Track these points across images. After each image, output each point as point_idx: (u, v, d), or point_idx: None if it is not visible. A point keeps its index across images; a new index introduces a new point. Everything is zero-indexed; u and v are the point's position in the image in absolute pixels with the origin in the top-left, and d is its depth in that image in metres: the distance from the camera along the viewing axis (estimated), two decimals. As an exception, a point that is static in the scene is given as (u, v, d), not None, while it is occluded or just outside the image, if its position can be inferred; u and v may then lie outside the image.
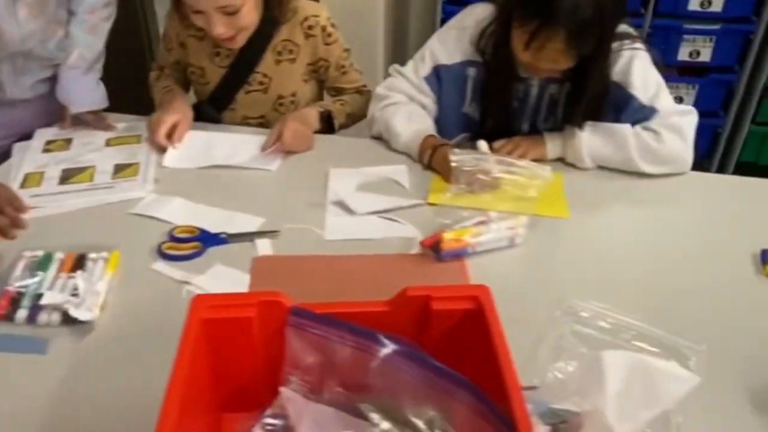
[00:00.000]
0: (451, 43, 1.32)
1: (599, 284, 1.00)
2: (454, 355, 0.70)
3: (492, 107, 1.34)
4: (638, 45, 1.28)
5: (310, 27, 1.38)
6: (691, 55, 2.28)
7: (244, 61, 1.39)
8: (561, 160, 1.30)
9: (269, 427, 0.66)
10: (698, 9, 2.20)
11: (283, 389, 0.69)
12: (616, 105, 1.28)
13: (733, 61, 2.28)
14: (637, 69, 1.26)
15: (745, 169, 2.44)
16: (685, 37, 2.24)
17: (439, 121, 1.39)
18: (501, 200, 1.12)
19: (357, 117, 1.47)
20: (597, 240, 1.11)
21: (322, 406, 0.67)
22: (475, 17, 1.30)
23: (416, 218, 1.13)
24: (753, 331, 0.92)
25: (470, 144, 1.35)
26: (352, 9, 2.18)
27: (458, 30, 1.32)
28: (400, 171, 1.26)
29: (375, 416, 0.66)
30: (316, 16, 1.39)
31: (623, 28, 1.29)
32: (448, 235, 1.03)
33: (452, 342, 0.74)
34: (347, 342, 0.69)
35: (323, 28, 1.39)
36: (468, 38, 1.30)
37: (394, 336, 0.69)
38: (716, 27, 2.21)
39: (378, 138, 1.37)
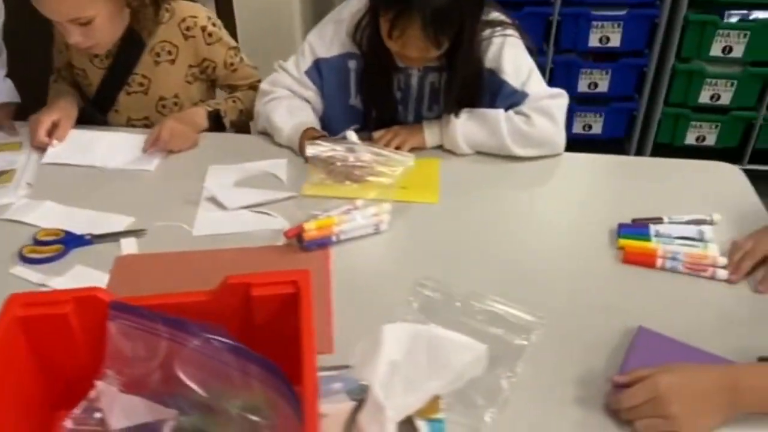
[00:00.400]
0: (328, 37, 1.33)
1: (459, 266, 1.02)
2: (276, 339, 0.72)
3: (374, 99, 1.36)
4: (509, 31, 1.31)
5: (188, 28, 1.38)
6: (601, 40, 2.32)
7: (122, 63, 1.38)
8: (441, 147, 1.32)
9: (80, 421, 0.67)
10: (604, -4, 2.25)
11: (98, 383, 0.69)
12: (491, 91, 1.31)
13: (642, 45, 2.33)
14: (508, 55, 1.28)
15: (662, 150, 2.50)
16: (594, 23, 2.29)
17: (327, 115, 1.40)
18: (368, 189, 1.14)
19: (252, 113, 1.48)
20: (464, 223, 1.13)
21: (133, 397, 0.68)
22: (350, 9, 1.32)
23: (289, 210, 1.14)
24: (596, 305, 0.95)
25: (363, 136, 1.37)
26: (268, 4, 2.19)
27: (335, 23, 1.33)
28: (279, 165, 1.26)
29: (186, 405, 0.67)
30: (194, 16, 1.39)
31: (494, 15, 1.32)
32: (309, 225, 1.04)
33: (275, 326, 0.75)
34: (162, 333, 0.70)
35: (203, 29, 1.39)
36: (345, 31, 1.32)
37: (206, 324, 0.70)
38: (623, 12, 2.26)
39: (265, 133, 1.37)
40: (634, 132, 2.50)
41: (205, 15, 1.40)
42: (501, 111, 1.27)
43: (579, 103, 2.48)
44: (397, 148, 1.28)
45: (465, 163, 1.29)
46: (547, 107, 1.26)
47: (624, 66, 2.36)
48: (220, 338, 0.66)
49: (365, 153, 1.16)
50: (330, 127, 1.37)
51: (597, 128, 2.52)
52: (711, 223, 1.09)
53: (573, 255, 1.05)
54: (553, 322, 0.90)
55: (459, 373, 0.64)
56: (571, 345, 0.88)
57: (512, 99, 1.28)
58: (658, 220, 1.09)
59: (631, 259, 1.02)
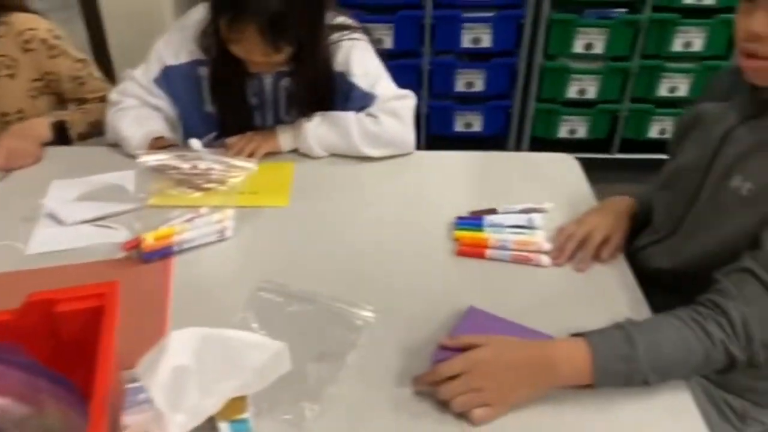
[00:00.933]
0: (176, 44, 1.32)
1: (303, 267, 1.04)
2: (85, 355, 0.71)
3: (228, 105, 1.36)
4: (357, 35, 1.34)
5: (27, 41, 1.33)
6: (473, 42, 2.41)
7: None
8: (297, 150, 1.34)
9: None
10: (472, -1, 2.34)
11: None
12: (344, 94, 1.34)
13: (512, 45, 2.44)
14: (356, 58, 1.32)
15: (538, 144, 2.63)
16: (465, 25, 2.37)
17: (183, 123, 1.39)
18: (213, 196, 1.14)
19: (102, 125, 1.44)
20: (312, 225, 1.15)
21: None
22: (195, 16, 1.31)
23: (133, 222, 1.12)
24: (429, 298, 0.99)
25: (218, 143, 1.37)
26: (137, 8, 2.14)
27: (181, 30, 1.32)
28: (127, 176, 1.24)
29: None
30: (33, 29, 1.34)
31: (341, 19, 1.35)
32: (148, 236, 1.03)
33: (83, 341, 0.74)
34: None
35: (44, 41, 1.35)
36: (191, 38, 1.31)
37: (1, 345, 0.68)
38: (491, 14, 2.36)
39: (116, 144, 1.34)
40: (511, 128, 2.61)
41: (46, 27, 1.36)
42: (352, 113, 1.30)
43: (458, 103, 2.57)
44: (252, 154, 1.29)
45: (320, 165, 1.31)
46: (394, 108, 1.30)
47: (496, 65, 2.46)
48: (9, 357, 0.64)
49: (206, 161, 1.16)
50: (188, 135, 1.36)
51: (477, 126, 2.61)
52: (542, 210, 1.15)
53: (412, 250, 1.08)
54: (387, 316, 0.93)
55: (258, 373, 0.65)
56: (402, 337, 0.90)
57: (363, 101, 1.31)
58: (493, 211, 1.15)
59: (463, 250, 1.06)
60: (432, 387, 0.81)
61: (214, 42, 1.27)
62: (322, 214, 1.17)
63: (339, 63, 1.31)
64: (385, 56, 2.42)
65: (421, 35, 2.40)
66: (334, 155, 1.32)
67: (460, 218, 1.13)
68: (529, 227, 1.11)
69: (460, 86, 2.51)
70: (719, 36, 2.36)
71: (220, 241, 1.08)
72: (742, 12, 0.89)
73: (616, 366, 0.80)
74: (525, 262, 1.05)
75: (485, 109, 2.56)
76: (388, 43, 2.41)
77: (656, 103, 2.52)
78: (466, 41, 2.41)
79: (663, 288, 1.04)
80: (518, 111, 2.56)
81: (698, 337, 0.83)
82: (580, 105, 2.53)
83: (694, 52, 2.40)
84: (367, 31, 1.37)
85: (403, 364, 0.86)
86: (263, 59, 1.20)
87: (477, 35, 2.39)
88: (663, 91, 2.48)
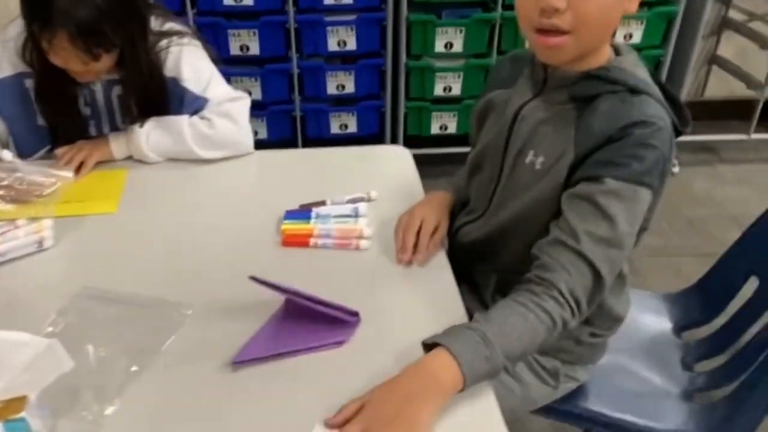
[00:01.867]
0: (-3, 57, 1.29)
1: (127, 271, 1.04)
2: None
3: (57, 117, 1.34)
4: (186, 40, 1.35)
5: None
6: (339, 44, 2.46)
7: None
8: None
9: None
10: (333, 3, 2.38)
11: None
12: (177, 99, 1.34)
13: (377, 46, 2.51)
14: (186, 63, 1.33)
15: (413, 141, 2.71)
16: (329, 28, 2.42)
17: (15, 138, 1.35)
18: (30, 207, 1.12)
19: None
20: (140, 230, 1.15)
21: None
22: (16, 28, 1.28)
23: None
24: (252, 291, 1.00)
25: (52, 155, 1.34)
26: None
27: (2, 43, 1.29)
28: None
29: None
30: None
31: (170, 25, 1.35)
32: (-44, 251, 1.00)
33: None
34: None
35: None
36: (13, 50, 1.28)
37: None
38: (353, 17, 2.42)
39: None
40: (386, 127, 2.68)
41: None
42: (185, 117, 1.31)
43: (332, 105, 2.62)
44: (83, 163, 1.28)
45: (155, 170, 1.31)
46: (228, 110, 1.32)
47: (364, 67, 2.52)
48: None
49: (21, 172, 1.14)
50: (22, 150, 1.33)
51: (353, 127, 2.66)
52: (368, 200, 1.21)
53: (239, 246, 1.11)
54: (206, 312, 0.95)
55: (27, 372, 0.65)
56: (218, 332, 0.92)
57: (196, 105, 1.33)
58: (322, 204, 1.19)
59: (288, 241, 1.10)
60: None
61: (36, 53, 1.25)
62: (151, 219, 1.18)
63: (169, 69, 1.32)
64: (254, 62, 2.47)
65: (287, 40, 2.43)
66: (171, 159, 1.33)
67: (289, 212, 1.17)
68: (354, 216, 1.16)
69: (331, 89, 2.56)
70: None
71: (39, 251, 1.07)
72: None
73: (481, 367, 0.83)
74: (346, 247, 1.09)
75: (358, 110, 2.61)
76: (255, 49, 2.43)
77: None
78: (332, 44, 2.46)
79: (480, 258, 1.13)
80: (390, 110, 2.64)
81: (541, 319, 0.88)
82: (448, 102, 2.63)
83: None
84: (199, 36, 1.38)
85: (212, 363, 0.87)
86: (83, 68, 1.19)
87: (342, 38, 2.45)
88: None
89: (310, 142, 2.67)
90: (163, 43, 1.32)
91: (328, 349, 0.90)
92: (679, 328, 1.40)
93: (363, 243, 1.09)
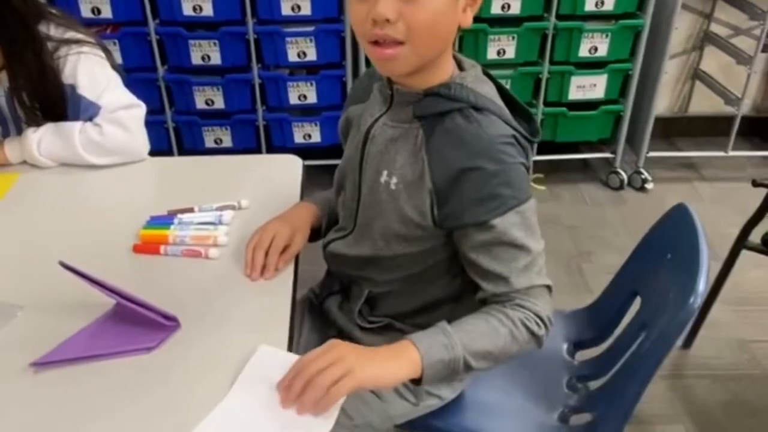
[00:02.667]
0: None
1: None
2: None
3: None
4: (86, 48, 1.38)
5: None
6: (299, 55, 2.49)
7: None
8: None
9: None
10: (291, 14, 2.41)
11: None
12: (74, 106, 1.38)
13: (338, 58, 2.52)
14: (82, 70, 1.36)
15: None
16: (288, 39, 2.45)
17: None
18: None
19: None
20: (10, 235, 1.18)
21: None
22: None
23: None
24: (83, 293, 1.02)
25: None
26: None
27: None
28: None
29: None
30: None
31: (71, 34, 1.39)
32: None
33: None
34: None
35: None
36: None
37: None
38: (312, 29, 2.44)
39: None
40: (348, 137, 2.68)
41: None
42: (77, 123, 1.34)
43: (295, 115, 2.64)
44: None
45: (47, 175, 1.35)
46: (119, 117, 1.35)
47: (326, 77, 2.54)
48: None
49: None
50: None
51: (316, 137, 2.68)
52: (238, 208, 1.21)
53: (96, 251, 1.11)
54: (36, 313, 0.97)
55: None
56: (46, 333, 0.94)
57: (90, 111, 1.36)
58: (190, 210, 1.20)
59: (139, 247, 1.11)
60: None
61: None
62: (21, 221, 1.21)
63: (67, 76, 1.35)
64: (216, 72, 2.51)
65: (248, 50, 2.47)
66: (64, 165, 1.36)
67: (154, 217, 1.18)
68: (217, 223, 1.17)
69: (293, 99, 2.58)
70: (525, 43, 2.51)
71: None
72: (358, 1, 0.88)
73: (439, 353, 0.88)
74: (196, 256, 1.10)
75: (321, 120, 2.63)
76: (216, 59, 2.47)
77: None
78: (291, 55, 2.48)
79: (351, 276, 1.13)
80: (353, 121, 2.64)
81: (501, 320, 0.93)
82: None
83: (508, 59, 2.53)
84: (99, 45, 1.42)
85: (18, 364, 0.89)
86: None
87: (301, 49, 2.47)
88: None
89: (274, 150, 2.70)
90: (63, 50, 1.36)
91: (138, 354, 0.91)
92: (573, 347, 1.36)
93: (212, 252, 1.10)
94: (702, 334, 1.98)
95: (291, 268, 1.09)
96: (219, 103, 2.57)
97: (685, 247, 1.11)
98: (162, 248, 1.10)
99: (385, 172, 0.99)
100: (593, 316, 1.38)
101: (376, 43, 0.90)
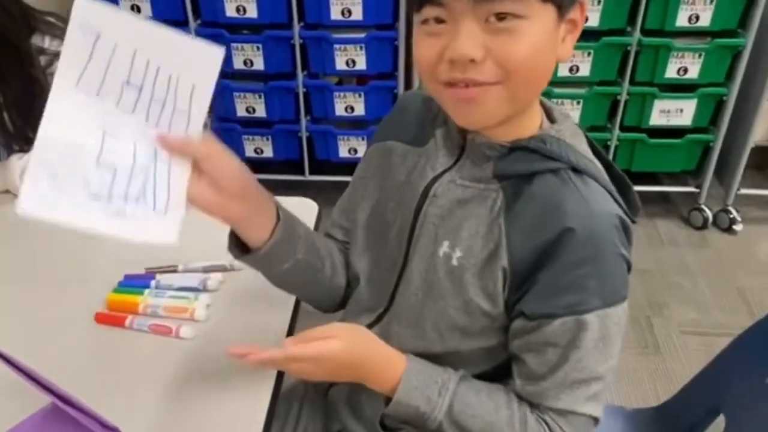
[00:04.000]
0: None
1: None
2: None
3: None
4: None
5: None
6: (347, 64, 2.27)
7: None
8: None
9: None
10: (341, 18, 2.20)
11: None
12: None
13: (390, 68, 2.29)
14: None
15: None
16: (336, 46, 2.22)
17: None
18: None
19: None
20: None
21: None
22: None
23: None
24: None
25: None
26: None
27: None
28: None
29: None
30: None
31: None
32: None
33: None
34: None
35: None
36: None
37: None
38: (363, 35, 2.21)
39: None
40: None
41: None
42: None
43: (341, 128, 2.43)
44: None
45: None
46: None
47: (374, 89, 2.32)
48: None
49: None
50: None
51: (362, 151, 2.46)
52: (229, 269, 1.01)
53: (56, 316, 0.95)
54: None
55: None
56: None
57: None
58: (172, 269, 1.01)
59: (102, 317, 0.93)
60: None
61: None
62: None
63: None
64: (259, 77, 2.33)
65: (293, 56, 2.28)
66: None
67: (128, 276, 1.00)
68: (200, 290, 0.97)
69: (340, 110, 2.38)
70: (602, 59, 2.20)
71: None
72: (428, 34, 0.67)
73: (417, 399, 0.74)
74: (165, 334, 0.91)
75: (368, 134, 2.41)
76: (259, 64, 2.30)
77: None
78: (340, 63, 2.28)
79: None
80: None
81: (511, 417, 0.74)
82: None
83: (582, 77, 2.23)
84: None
85: None
86: None
87: (351, 57, 2.26)
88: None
89: (317, 164, 2.51)
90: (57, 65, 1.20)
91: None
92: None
93: (185, 330, 0.90)
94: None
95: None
96: (260, 111, 2.39)
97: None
98: (128, 320, 0.91)
99: (446, 243, 0.76)
100: (664, 420, 1.11)
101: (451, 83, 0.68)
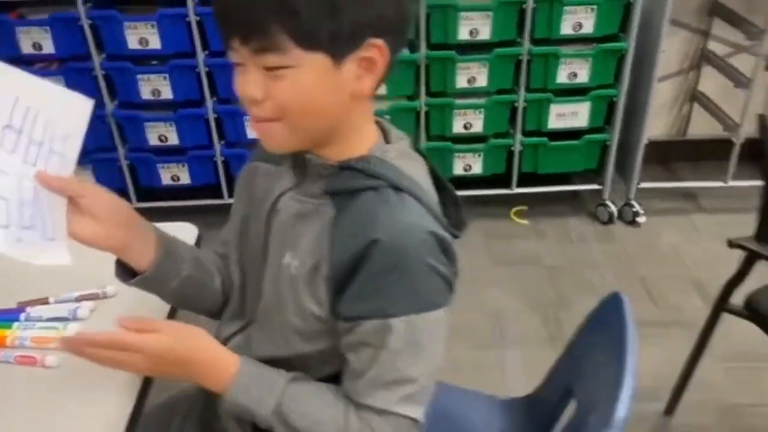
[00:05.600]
0: None
1: None
2: None
3: None
4: None
5: None
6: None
7: None
8: None
9: None
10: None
11: None
12: None
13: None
14: None
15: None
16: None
17: None
18: None
19: None
20: None
21: None
22: None
23: None
24: None
25: None
26: None
27: None
28: None
29: None
30: None
31: None
32: None
33: None
34: None
35: None
36: None
37: None
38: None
39: None
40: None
41: None
42: None
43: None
44: None
45: None
46: None
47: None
48: None
49: None
50: None
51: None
52: (102, 296, 1.05)
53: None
54: None
55: None
56: None
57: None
58: (44, 301, 1.04)
59: (-34, 353, 0.96)
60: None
61: None
62: None
63: None
64: (168, 106, 2.35)
65: (200, 84, 2.32)
66: None
67: (2, 312, 1.03)
68: (69, 319, 1.00)
69: (252, 133, 2.43)
70: (497, 70, 2.31)
71: None
72: (239, 73, 0.77)
73: (248, 399, 0.79)
74: (30, 364, 0.93)
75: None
76: (167, 93, 2.33)
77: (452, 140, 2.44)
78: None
79: None
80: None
81: (336, 415, 0.80)
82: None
83: (480, 87, 2.34)
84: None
85: None
86: None
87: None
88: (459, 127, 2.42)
89: (236, 187, 2.54)
90: None
91: None
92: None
93: (50, 359, 0.93)
94: (686, 399, 1.76)
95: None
96: (173, 139, 2.42)
97: (616, 351, 0.91)
98: (-6, 354, 0.94)
99: (288, 254, 0.83)
100: (532, 409, 1.18)
101: None
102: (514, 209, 2.65)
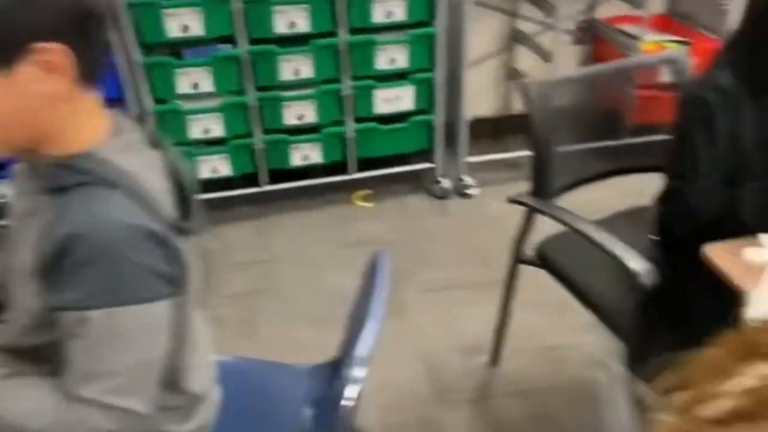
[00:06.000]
0: None
1: None
2: None
3: None
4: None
5: None
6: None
7: None
8: None
9: None
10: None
11: None
12: None
13: (116, 94, 2.33)
14: None
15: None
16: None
17: None
18: None
19: None
20: None
21: None
22: None
23: None
24: None
25: None
26: None
27: None
28: None
29: None
30: None
31: None
32: None
33: None
34: None
35: None
36: None
37: None
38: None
39: None
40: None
41: None
42: None
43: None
44: None
45: None
46: None
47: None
48: None
49: None
50: None
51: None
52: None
53: None
54: None
55: None
56: None
57: None
58: None
59: None
60: None
61: None
62: None
63: None
64: None
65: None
66: None
67: None
68: None
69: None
70: (320, 61, 2.40)
71: None
72: None
73: None
74: None
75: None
76: None
77: (288, 132, 2.51)
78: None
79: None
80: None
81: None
82: (211, 143, 2.47)
83: (307, 78, 2.41)
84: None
85: None
86: None
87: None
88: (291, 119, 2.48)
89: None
90: None
91: None
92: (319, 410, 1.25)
93: None
94: (510, 347, 1.93)
95: None
96: None
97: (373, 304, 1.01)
98: None
99: (20, 251, 0.86)
100: (335, 373, 1.27)
101: None
102: (359, 193, 2.75)
